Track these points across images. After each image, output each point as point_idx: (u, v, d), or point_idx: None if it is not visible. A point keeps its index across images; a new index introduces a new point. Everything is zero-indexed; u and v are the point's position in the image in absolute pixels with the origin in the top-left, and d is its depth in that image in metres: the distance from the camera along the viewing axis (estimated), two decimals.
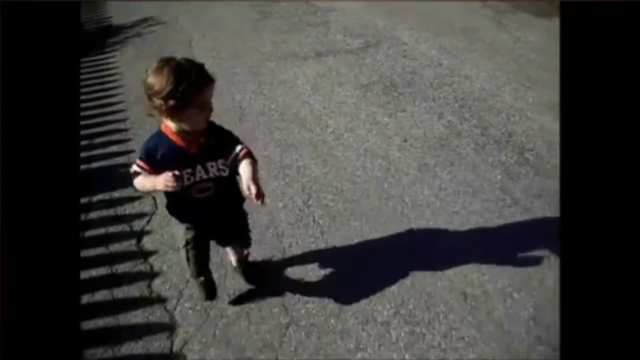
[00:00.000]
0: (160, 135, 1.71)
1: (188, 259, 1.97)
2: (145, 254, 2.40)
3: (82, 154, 3.10)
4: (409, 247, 2.35)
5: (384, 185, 2.74)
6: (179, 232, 1.93)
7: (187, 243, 1.93)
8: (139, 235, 2.52)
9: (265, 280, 2.22)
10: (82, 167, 3.02)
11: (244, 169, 1.71)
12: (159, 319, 2.09)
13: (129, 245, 2.48)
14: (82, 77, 4.12)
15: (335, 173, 2.87)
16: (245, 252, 2.22)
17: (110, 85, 4.09)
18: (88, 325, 2.07)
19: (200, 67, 1.63)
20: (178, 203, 1.86)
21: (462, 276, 2.15)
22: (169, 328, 2.04)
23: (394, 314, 2.02)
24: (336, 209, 2.60)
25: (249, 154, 1.73)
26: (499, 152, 2.95)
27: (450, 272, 2.18)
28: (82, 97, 3.71)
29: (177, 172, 1.62)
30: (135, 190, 1.91)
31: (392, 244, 2.37)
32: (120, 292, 2.22)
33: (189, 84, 1.57)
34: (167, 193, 1.79)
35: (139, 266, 2.35)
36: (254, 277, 2.23)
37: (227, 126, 1.81)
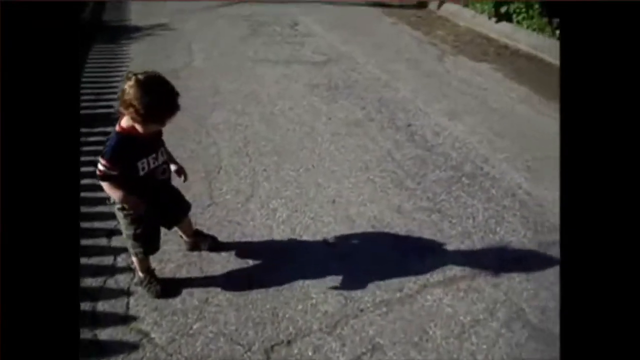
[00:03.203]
0: (120, 134, 1.96)
1: (144, 238, 2.17)
2: None
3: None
4: (309, 175, 3.38)
5: (303, 142, 3.79)
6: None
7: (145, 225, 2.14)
8: None
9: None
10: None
11: (170, 157, 2.23)
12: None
13: None
14: (97, 59, 5.27)
15: (271, 131, 3.94)
16: (193, 224, 2.59)
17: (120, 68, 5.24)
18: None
19: (174, 100, 1.88)
20: (141, 191, 2.05)
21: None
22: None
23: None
24: (265, 150, 3.65)
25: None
26: (396, 133, 4.01)
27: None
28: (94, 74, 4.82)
29: (142, 202, 2.00)
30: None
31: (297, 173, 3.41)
32: None
33: (161, 115, 1.89)
34: (129, 182, 1.99)
35: None
36: (207, 238, 2.61)
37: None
